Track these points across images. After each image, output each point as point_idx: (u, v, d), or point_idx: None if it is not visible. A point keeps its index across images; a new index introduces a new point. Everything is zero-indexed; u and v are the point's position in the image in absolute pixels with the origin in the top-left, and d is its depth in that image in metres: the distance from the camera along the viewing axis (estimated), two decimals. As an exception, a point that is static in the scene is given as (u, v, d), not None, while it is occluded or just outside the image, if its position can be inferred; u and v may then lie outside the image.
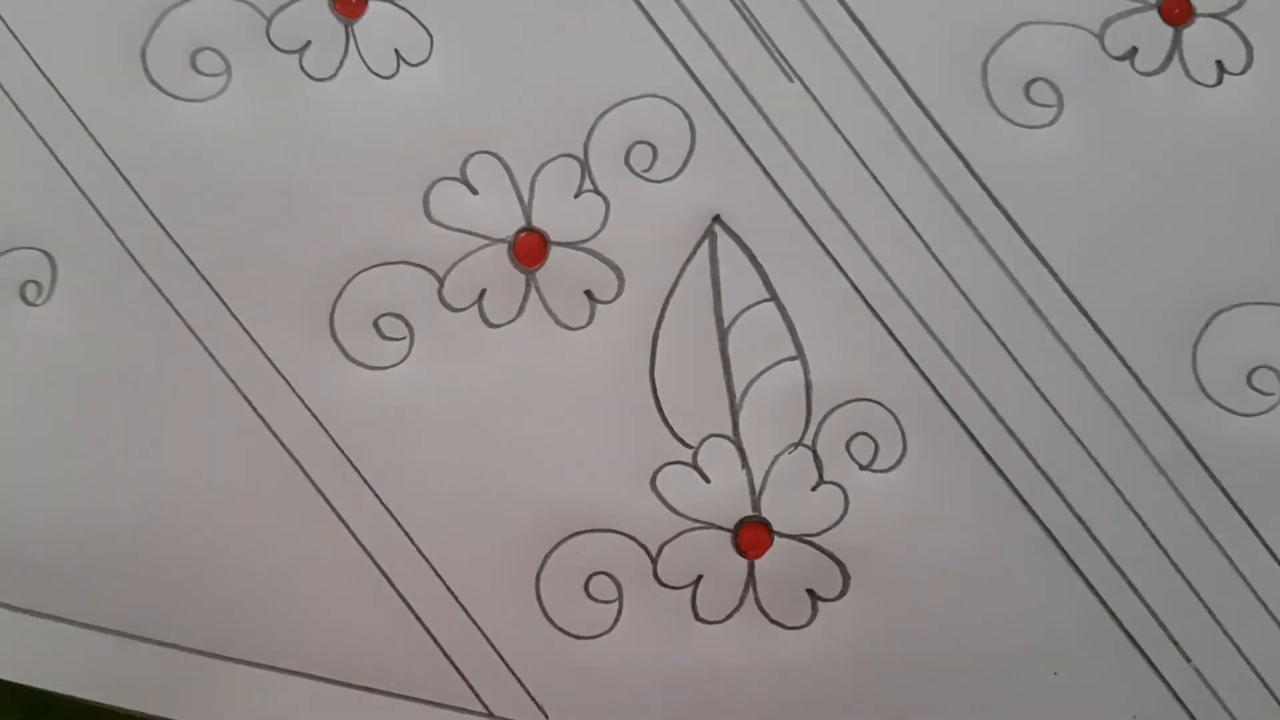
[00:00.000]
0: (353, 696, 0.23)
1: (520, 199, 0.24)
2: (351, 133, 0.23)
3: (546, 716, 0.23)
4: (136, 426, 0.23)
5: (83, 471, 0.23)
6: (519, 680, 0.23)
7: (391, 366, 0.23)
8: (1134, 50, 0.24)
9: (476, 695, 0.23)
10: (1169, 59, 0.24)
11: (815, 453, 0.23)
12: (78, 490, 0.23)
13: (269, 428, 0.23)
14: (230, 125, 0.23)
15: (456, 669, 0.23)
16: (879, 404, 0.23)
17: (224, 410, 0.23)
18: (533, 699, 0.23)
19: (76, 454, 0.23)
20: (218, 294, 0.23)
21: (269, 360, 0.23)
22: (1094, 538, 0.23)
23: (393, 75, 0.23)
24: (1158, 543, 0.23)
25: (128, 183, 0.23)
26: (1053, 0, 0.24)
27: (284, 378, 0.23)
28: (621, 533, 0.23)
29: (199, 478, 0.23)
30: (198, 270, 0.23)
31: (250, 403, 0.23)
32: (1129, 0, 0.24)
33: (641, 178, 0.24)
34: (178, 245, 0.23)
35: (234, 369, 0.23)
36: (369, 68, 0.23)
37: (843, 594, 0.23)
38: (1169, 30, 0.24)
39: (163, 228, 0.23)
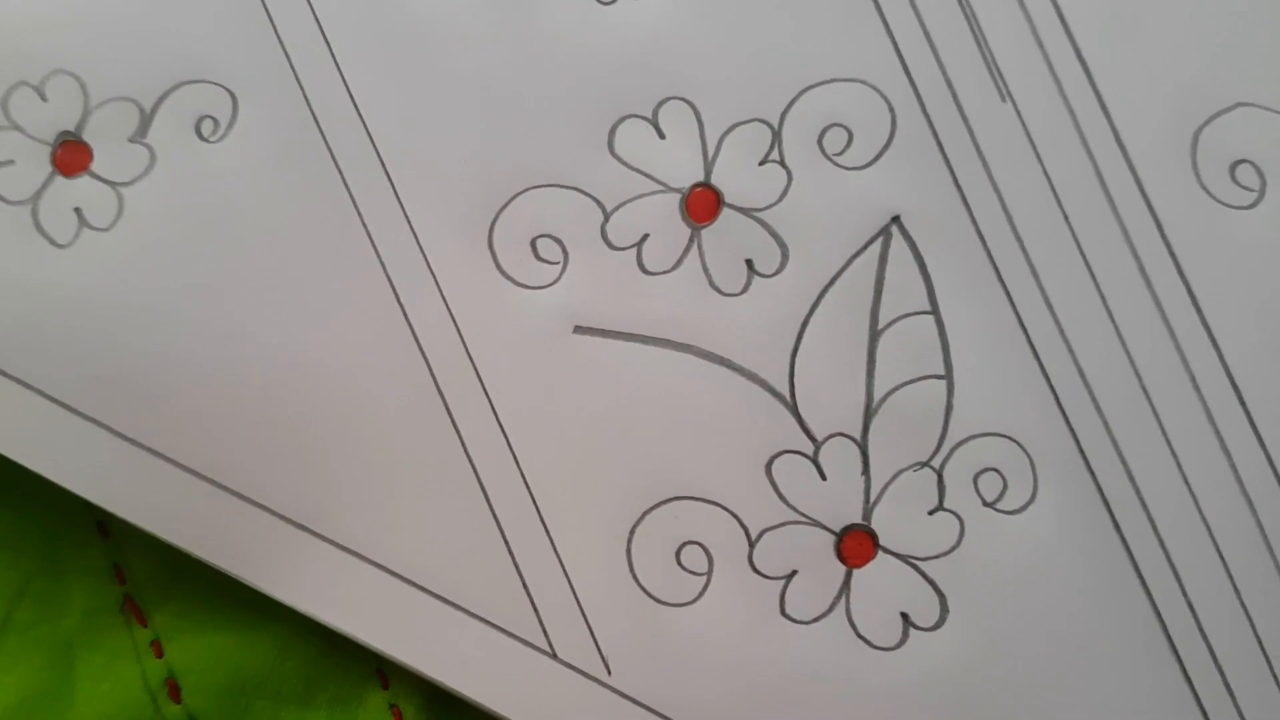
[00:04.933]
0: (423, 601, 0.22)
1: (705, 153, 0.23)
2: (560, 49, 0.23)
3: (610, 672, 0.22)
4: (279, 283, 0.23)
5: (218, 314, 0.22)
6: (590, 628, 0.22)
7: (539, 288, 0.23)
8: (1349, 156, 0.23)
9: (545, 633, 0.22)
10: (1384, 172, 0.23)
11: (941, 477, 0.23)
12: (207, 331, 0.22)
13: (406, 317, 0.23)
14: (444, 9, 0.23)
15: (532, 602, 0.22)
16: (1018, 444, 0.23)
17: (367, 290, 0.23)
18: (599, 651, 0.22)
19: (215, 294, 0.22)
20: (387, 172, 0.23)
21: (421, 249, 0.23)
22: (1204, 636, 0.22)
23: (612, 1, 0.23)
24: (1266, 657, 0.22)
25: (326, 40, 0.23)
26: (1277, 87, 0.23)
27: (431, 270, 0.23)
28: (726, 508, 0.23)
29: (328, 349, 0.22)
30: (374, 144, 0.23)
31: (394, 287, 0.23)
32: (1353, 107, 0.23)
33: (831, 160, 0.23)
34: (360, 114, 0.23)
35: (386, 251, 0.23)
36: (588, -10, 0.23)
37: (938, 625, 0.22)
38: (1390, 144, 0.23)
39: (350, 94, 0.23)
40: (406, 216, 0.23)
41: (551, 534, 0.22)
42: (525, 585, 0.22)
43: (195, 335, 0.22)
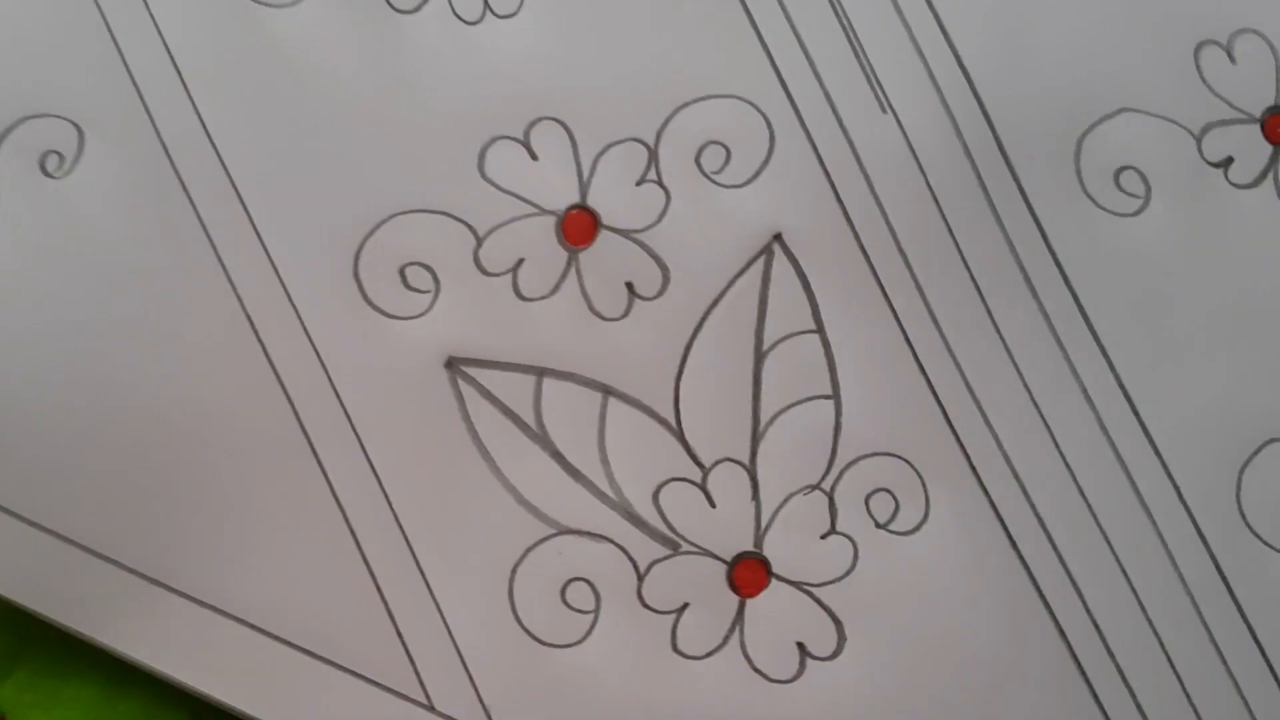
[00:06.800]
0: (289, 656, 0.21)
1: (580, 174, 0.22)
2: (423, 71, 0.22)
3: (493, 721, 0.21)
4: (128, 324, 0.21)
5: (62, 358, 0.21)
6: (470, 676, 0.21)
7: (410, 318, 0.22)
8: (1230, 160, 0.23)
9: (422, 684, 0.21)
10: (1264, 175, 0.23)
11: (832, 499, 0.22)
12: (50, 376, 0.21)
13: (267, 355, 0.21)
14: (301, 34, 0.22)
15: (407, 651, 0.21)
16: (908, 463, 0.22)
17: (223, 326, 0.21)
18: (480, 700, 0.21)
19: (65, 341, 0.21)
20: (245, 205, 0.22)
21: (282, 284, 0.22)
22: (1109, 651, 0.22)
23: (477, 21, 0.22)
24: (1173, 668, 0.22)
25: (176, 68, 0.22)
26: (1158, 93, 0.23)
27: (293, 304, 0.22)
28: (613, 541, 0.22)
29: (181, 390, 0.21)
30: (229, 176, 0.22)
31: (252, 323, 0.21)
32: (1233, 110, 0.23)
33: (709, 179, 0.22)
34: (214, 145, 0.22)
35: (244, 286, 0.22)
36: (454, 10, 0.22)
37: (835, 654, 0.21)
38: (1269, 148, 0.23)
39: (203, 124, 0.22)
40: (265, 248, 0.22)
41: (428, 578, 0.21)
42: (400, 634, 0.21)
43: (37, 381, 0.21)
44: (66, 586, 0.21)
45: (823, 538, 0.22)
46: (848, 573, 0.22)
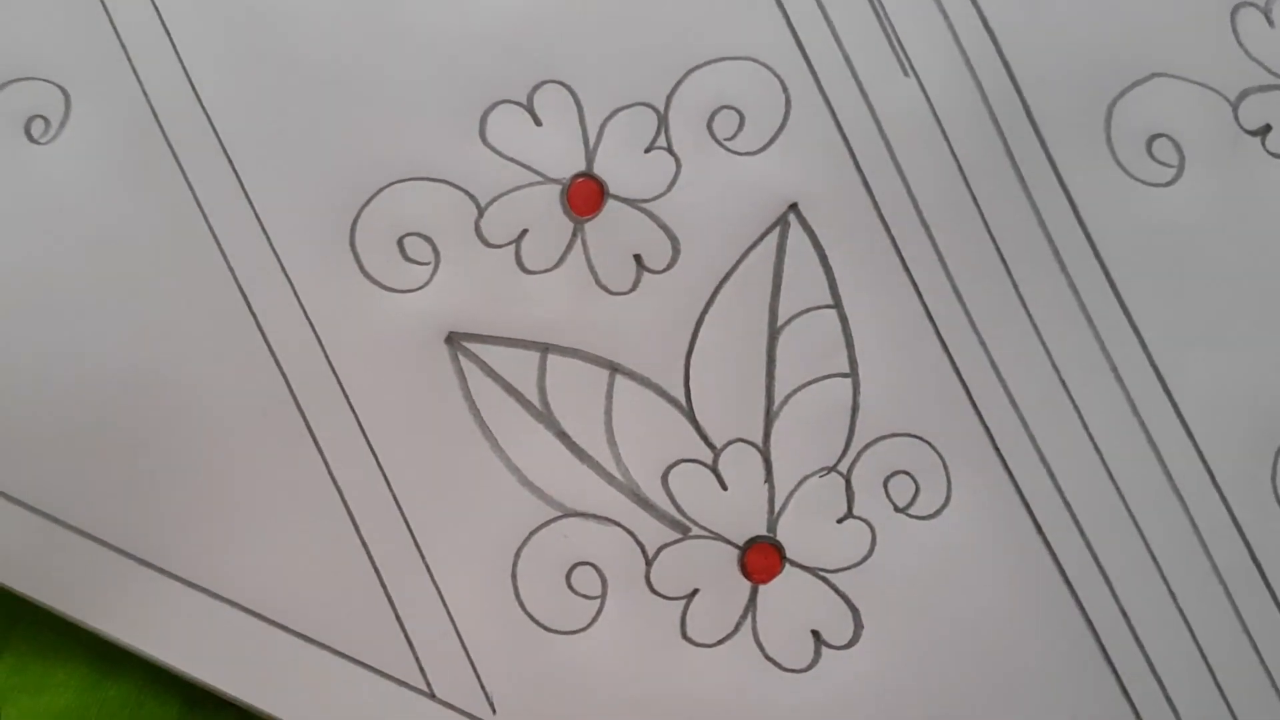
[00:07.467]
0: (284, 641, 0.20)
1: (586, 140, 0.21)
2: (422, 30, 0.21)
3: (495, 711, 0.20)
4: (116, 294, 0.21)
5: (55, 334, 0.20)
6: (472, 664, 0.20)
7: (408, 291, 0.21)
8: (1268, 127, 0.22)
9: (422, 671, 0.20)
10: (1304, 144, 0.22)
11: (849, 482, 0.21)
12: (38, 349, 0.20)
13: (260, 330, 0.21)
14: (291, -7, 0.21)
15: (407, 637, 0.20)
16: (929, 445, 0.21)
17: (218, 300, 0.21)
18: (483, 688, 0.20)
19: (51, 313, 0.20)
20: (236, 172, 0.21)
21: (275, 255, 0.21)
22: (1138, 640, 0.21)
23: (478, -22, 0.21)
24: (1204, 657, 0.21)
25: (166, 30, 0.21)
26: (1193, 57, 0.22)
27: (288, 278, 0.21)
28: (620, 525, 0.21)
29: (172, 365, 0.20)
30: (220, 141, 0.21)
31: (246, 298, 0.21)
32: (1271, 75, 0.22)
33: (721, 145, 0.21)
34: (204, 109, 0.21)
35: (236, 257, 0.21)
36: (454, -34, 0.21)
37: (852, 643, 0.21)
38: (1310, 115, 0.22)
39: (193, 87, 0.21)
40: (257, 217, 0.21)
41: (428, 561, 0.20)
42: (399, 619, 0.20)
43: (22, 354, 0.20)
44: (55, 568, 0.20)
45: (839, 522, 0.21)
46: (865, 558, 0.21)
